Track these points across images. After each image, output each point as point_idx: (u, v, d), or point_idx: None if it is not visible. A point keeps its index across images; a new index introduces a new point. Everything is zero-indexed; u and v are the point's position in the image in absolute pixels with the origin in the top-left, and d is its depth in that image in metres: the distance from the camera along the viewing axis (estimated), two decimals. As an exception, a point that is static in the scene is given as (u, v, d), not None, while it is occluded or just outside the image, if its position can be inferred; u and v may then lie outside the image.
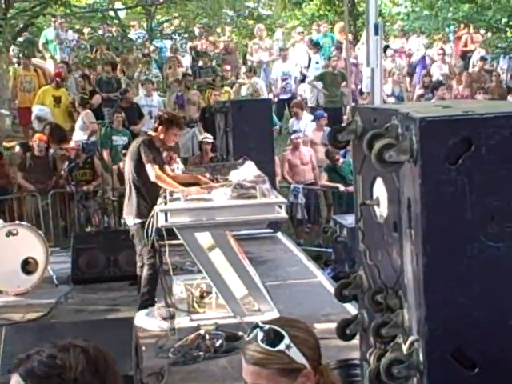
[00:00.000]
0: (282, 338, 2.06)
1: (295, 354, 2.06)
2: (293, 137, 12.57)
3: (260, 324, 2.12)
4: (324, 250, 10.91)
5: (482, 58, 16.15)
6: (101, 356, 1.81)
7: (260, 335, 2.08)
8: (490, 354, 2.51)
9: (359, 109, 3.52)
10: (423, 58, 17.07)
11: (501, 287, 2.52)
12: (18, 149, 12.28)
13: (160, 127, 6.83)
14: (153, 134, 6.97)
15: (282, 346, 2.04)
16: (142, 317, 6.62)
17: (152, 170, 6.56)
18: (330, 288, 7.68)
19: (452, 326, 2.51)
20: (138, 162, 6.69)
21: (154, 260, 6.67)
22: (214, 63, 16.67)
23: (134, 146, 6.86)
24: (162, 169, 6.76)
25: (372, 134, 2.79)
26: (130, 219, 6.76)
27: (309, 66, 16.37)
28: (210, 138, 11.87)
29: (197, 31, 18.34)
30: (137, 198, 6.70)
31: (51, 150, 11.55)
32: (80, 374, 1.70)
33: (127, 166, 6.92)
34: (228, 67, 16.59)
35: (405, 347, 2.70)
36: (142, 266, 6.87)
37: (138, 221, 6.65)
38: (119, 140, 12.12)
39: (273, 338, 2.06)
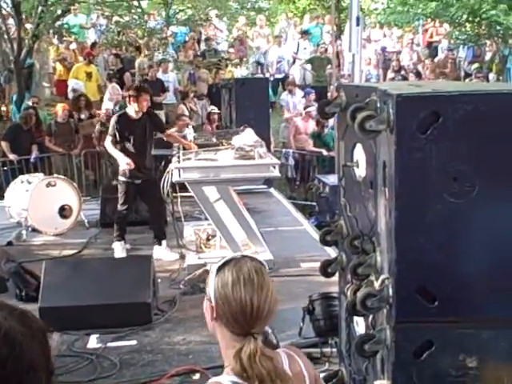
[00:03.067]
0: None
1: (210, 282, 1.93)
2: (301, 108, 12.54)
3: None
4: (309, 203, 10.92)
5: (449, 49, 16.07)
6: (13, 333, 1.34)
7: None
8: (447, 290, 2.52)
9: (344, 86, 3.48)
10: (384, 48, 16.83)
11: (459, 237, 2.52)
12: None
13: (131, 99, 6.71)
14: (128, 108, 6.85)
15: (211, 272, 1.92)
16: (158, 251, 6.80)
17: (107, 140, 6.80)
18: (314, 234, 7.70)
19: (417, 268, 2.51)
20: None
21: (123, 212, 6.94)
22: (217, 46, 16.46)
23: None
24: (127, 138, 6.75)
25: (355, 107, 2.76)
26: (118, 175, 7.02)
27: (297, 51, 16.20)
28: (217, 110, 11.78)
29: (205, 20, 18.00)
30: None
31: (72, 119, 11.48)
32: None
33: None
34: (232, 50, 16.40)
35: (377, 284, 2.71)
36: (149, 214, 7.23)
37: (122, 179, 6.81)
38: None
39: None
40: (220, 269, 1.88)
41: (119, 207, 6.97)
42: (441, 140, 2.41)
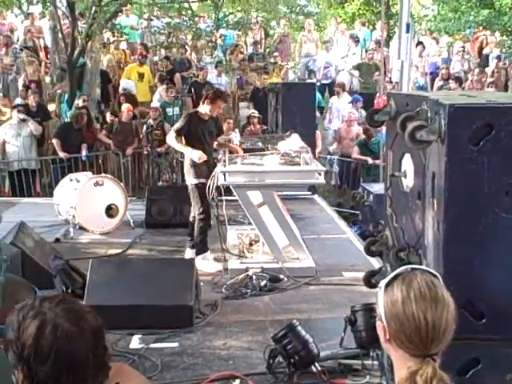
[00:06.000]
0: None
1: (379, 301, 1.78)
2: (346, 114, 12.45)
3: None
4: (352, 211, 10.82)
5: (498, 57, 15.73)
6: (60, 330, 1.39)
7: None
8: (496, 307, 2.45)
9: (394, 94, 3.44)
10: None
11: (509, 253, 2.45)
12: (108, 115, 12.38)
13: (206, 101, 6.72)
14: (200, 108, 6.82)
15: (379, 289, 1.79)
16: (199, 261, 6.59)
17: (169, 134, 6.64)
18: (357, 243, 7.62)
19: (464, 282, 2.45)
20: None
21: (204, 215, 6.61)
22: (263, 51, 16.52)
23: None
24: (198, 137, 6.66)
25: (405, 116, 2.73)
26: (189, 179, 6.74)
27: (347, 56, 16.11)
28: (257, 113, 11.78)
29: (255, 23, 18.09)
30: (192, 162, 6.64)
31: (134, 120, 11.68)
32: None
33: None
34: (276, 54, 16.40)
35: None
36: (194, 217, 6.86)
37: (195, 181, 6.63)
38: (171, 111, 12.16)
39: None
40: (388, 285, 1.75)
41: (199, 214, 6.63)
42: (493, 153, 2.36)
